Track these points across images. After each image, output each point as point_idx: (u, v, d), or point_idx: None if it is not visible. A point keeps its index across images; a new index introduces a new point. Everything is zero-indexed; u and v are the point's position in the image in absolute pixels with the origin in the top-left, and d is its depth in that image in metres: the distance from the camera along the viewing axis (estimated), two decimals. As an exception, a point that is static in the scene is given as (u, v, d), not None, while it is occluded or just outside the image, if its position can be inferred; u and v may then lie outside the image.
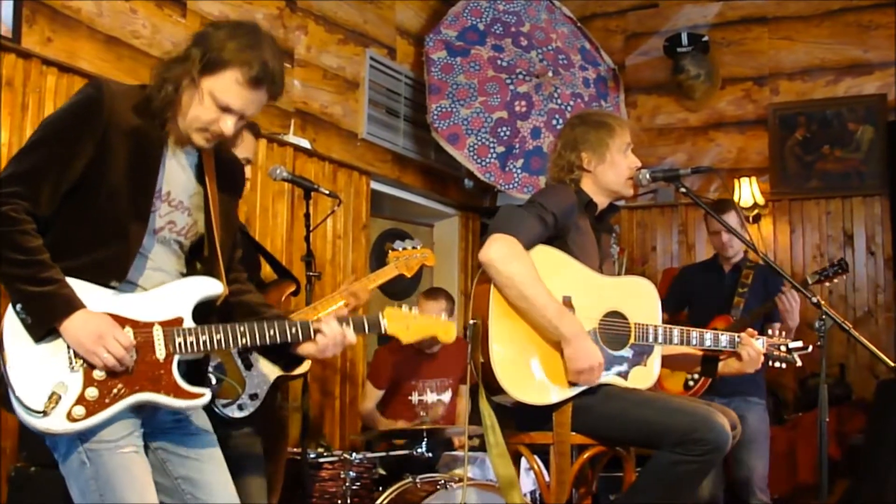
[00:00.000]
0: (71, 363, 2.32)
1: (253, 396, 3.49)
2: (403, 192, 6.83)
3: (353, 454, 4.39)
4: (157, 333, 2.40)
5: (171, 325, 2.42)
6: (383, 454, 4.60)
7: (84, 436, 2.33)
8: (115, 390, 2.34)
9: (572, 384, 3.10)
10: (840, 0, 7.06)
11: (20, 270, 2.28)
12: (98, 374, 2.32)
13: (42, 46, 4.20)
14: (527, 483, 4.54)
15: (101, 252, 2.39)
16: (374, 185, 6.36)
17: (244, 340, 2.50)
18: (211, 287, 2.53)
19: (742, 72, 7.34)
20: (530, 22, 6.87)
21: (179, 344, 2.41)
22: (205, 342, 2.45)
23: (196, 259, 2.60)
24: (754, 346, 3.38)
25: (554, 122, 6.67)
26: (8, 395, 2.29)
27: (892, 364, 3.16)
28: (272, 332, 2.53)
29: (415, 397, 5.25)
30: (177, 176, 2.52)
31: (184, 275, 2.56)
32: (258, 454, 3.57)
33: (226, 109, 2.43)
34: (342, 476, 4.30)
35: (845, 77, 7.02)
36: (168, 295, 2.47)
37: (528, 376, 3.08)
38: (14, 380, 2.28)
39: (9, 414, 2.36)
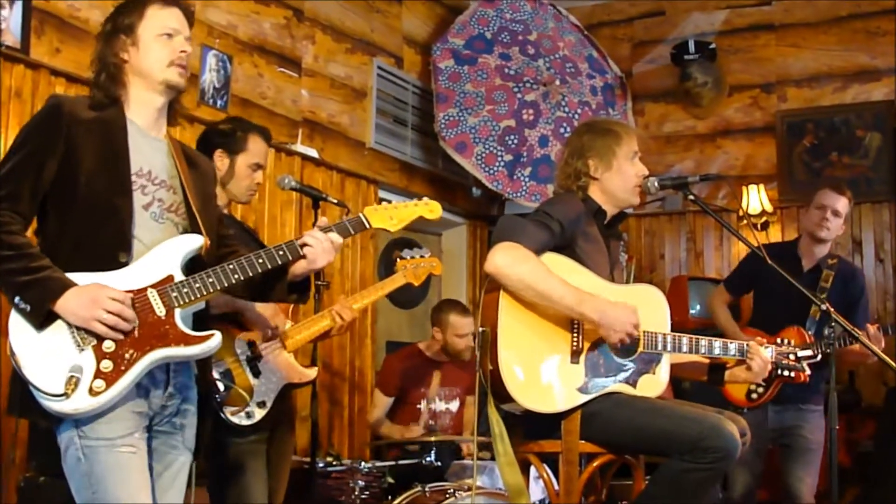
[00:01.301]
0: (78, 344, 2.40)
1: (261, 404, 3.51)
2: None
3: (362, 463, 4.38)
4: (152, 294, 2.49)
5: (164, 284, 2.51)
6: (392, 463, 4.60)
7: (84, 431, 2.41)
8: (127, 356, 2.42)
9: (581, 391, 3.10)
10: (847, 6, 7.06)
11: (13, 264, 2.40)
12: (107, 346, 2.41)
13: (50, 57, 4.23)
14: (536, 492, 4.53)
15: (99, 235, 2.50)
16: (382, 194, 6.37)
17: (236, 276, 2.57)
18: (191, 241, 2.60)
19: (749, 79, 7.32)
20: (537, 30, 6.88)
21: (176, 297, 2.50)
22: (199, 289, 2.53)
23: None
24: (762, 356, 3.37)
25: (561, 130, 6.67)
26: (27, 398, 2.39)
27: (901, 371, 3.15)
28: (261, 260, 2.61)
29: (423, 405, 5.24)
30: (154, 158, 2.63)
31: None
32: (262, 460, 3.59)
33: (171, 34, 2.62)
34: (351, 485, 4.30)
35: (853, 84, 7.00)
36: (152, 260, 2.54)
37: (537, 384, 3.08)
38: (30, 375, 2.37)
39: (18, 423, 2.39)
